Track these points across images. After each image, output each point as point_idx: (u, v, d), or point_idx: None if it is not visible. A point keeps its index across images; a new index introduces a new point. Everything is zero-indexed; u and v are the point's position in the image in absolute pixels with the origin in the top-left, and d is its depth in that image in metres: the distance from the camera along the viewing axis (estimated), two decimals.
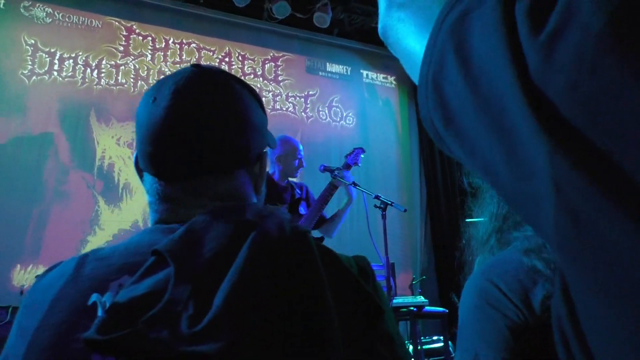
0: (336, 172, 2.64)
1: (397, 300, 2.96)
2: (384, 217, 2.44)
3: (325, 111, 5.44)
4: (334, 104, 5.50)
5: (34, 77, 4.32)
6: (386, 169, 5.51)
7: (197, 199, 0.64)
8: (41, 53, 4.40)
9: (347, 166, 2.70)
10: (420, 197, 5.62)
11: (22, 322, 0.56)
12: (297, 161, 2.71)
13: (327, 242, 2.65)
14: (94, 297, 0.54)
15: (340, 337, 0.50)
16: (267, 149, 0.74)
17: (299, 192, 2.79)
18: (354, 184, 2.58)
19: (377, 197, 2.47)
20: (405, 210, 2.45)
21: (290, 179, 2.77)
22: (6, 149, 4.06)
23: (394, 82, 5.93)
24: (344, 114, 5.52)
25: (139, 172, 0.70)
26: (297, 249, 0.56)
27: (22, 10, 4.42)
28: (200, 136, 0.63)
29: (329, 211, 2.77)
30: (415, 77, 0.34)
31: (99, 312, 0.51)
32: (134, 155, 0.71)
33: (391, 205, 2.45)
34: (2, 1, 4.36)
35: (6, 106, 4.14)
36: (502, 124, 0.26)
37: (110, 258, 0.58)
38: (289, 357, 0.49)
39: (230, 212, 0.59)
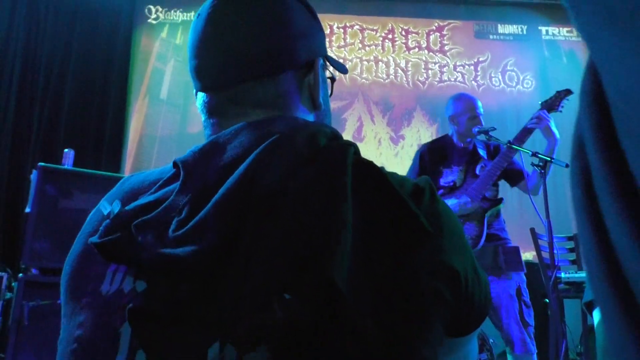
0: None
1: (579, 275, 2.60)
2: (542, 175, 2.16)
3: (499, 77, 5.02)
4: (508, 67, 5.04)
5: None
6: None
7: (239, 107, 0.62)
8: None
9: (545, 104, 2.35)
10: None
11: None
12: (473, 120, 2.41)
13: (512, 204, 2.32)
14: (103, 205, 0.57)
15: (347, 258, 0.46)
16: (321, 60, 0.68)
17: (483, 152, 2.47)
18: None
19: (534, 154, 2.19)
20: (567, 166, 2.12)
21: (481, 138, 2.43)
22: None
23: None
24: (521, 78, 5.02)
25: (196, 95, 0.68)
26: (321, 161, 0.53)
27: None
28: (236, 39, 0.61)
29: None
30: None
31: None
32: None
33: (551, 161, 2.15)
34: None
35: None
36: None
37: (150, 174, 0.61)
38: (270, 270, 0.46)
39: (262, 123, 0.57)
